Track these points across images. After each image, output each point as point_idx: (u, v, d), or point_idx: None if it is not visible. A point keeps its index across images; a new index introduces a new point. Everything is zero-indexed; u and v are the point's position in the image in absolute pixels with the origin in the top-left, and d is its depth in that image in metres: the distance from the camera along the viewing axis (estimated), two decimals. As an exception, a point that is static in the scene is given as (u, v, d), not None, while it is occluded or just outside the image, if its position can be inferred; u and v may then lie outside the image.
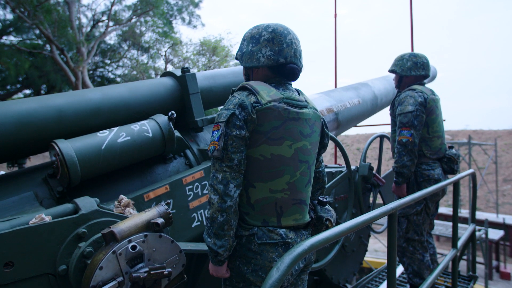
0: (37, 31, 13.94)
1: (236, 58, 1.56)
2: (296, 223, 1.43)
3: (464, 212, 14.77)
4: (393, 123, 2.99)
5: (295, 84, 1.58)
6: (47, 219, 1.37)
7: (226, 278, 1.42)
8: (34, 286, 1.33)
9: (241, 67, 2.62)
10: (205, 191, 2.05)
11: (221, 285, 1.48)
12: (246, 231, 1.38)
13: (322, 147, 1.62)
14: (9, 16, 14.33)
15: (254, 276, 1.35)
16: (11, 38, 15.13)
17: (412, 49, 5.66)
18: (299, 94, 1.51)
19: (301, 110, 1.43)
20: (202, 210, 2.02)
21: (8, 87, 15.78)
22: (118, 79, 18.27)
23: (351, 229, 1.28)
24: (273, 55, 1.43)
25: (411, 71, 2.92)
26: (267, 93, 1.37)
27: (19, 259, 1.29)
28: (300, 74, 1.52)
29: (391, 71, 3.06)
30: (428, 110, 2.78)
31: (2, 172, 1.98)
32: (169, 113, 2.01)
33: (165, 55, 17.77)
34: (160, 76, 2.51)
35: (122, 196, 1.66)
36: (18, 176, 1.77)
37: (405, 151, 2.72)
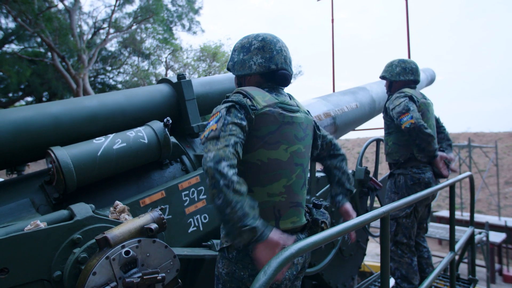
0: (39, 39, 14.09)
1: (228, 69, 1.58)
2: (294, 225, 1.44)
3: (466, 215, 14.67)
4: (386, 126, 3.02)
5: (290, 89, 1.60)
6: (42, 225, 1.39)
7: (222, 283, 1.43)
8: None
9: None
10: (201, 197, 2.06)
11: None
12: None
13: (315, 148, 1.66)
14: (11, 24, 14.52)
15: (251, 281, 1.34)
16: (13, 46, 15.32)
17: (409, 53, 5.69)
18: (290, 99, 1.54)
19: (295, 114, 1.45)
20: (198, 216, 2.03)
21: (10, 94, 15.91)
22: (119, 86, 18.38)
23: (340, 233, 1.29)
24: (264, 62, 1.46)
25: (400, 76, 2.98)
26: (262, 98, 1.39)
27: (14, 265, 1.30)
28: (292, 80, 1.55)
29: (381, 77, 3.13)
30: (419, 113, 2.80)
31: (0, 179, 2.00)
32: (165, 120, 2.03)
33: (165, 62, 17.89)
34: (157, 83, 2.53)
35: (117, 202, 1.67)
36: (15, 183, 1.79)
37: (420, 135, 2.68)
